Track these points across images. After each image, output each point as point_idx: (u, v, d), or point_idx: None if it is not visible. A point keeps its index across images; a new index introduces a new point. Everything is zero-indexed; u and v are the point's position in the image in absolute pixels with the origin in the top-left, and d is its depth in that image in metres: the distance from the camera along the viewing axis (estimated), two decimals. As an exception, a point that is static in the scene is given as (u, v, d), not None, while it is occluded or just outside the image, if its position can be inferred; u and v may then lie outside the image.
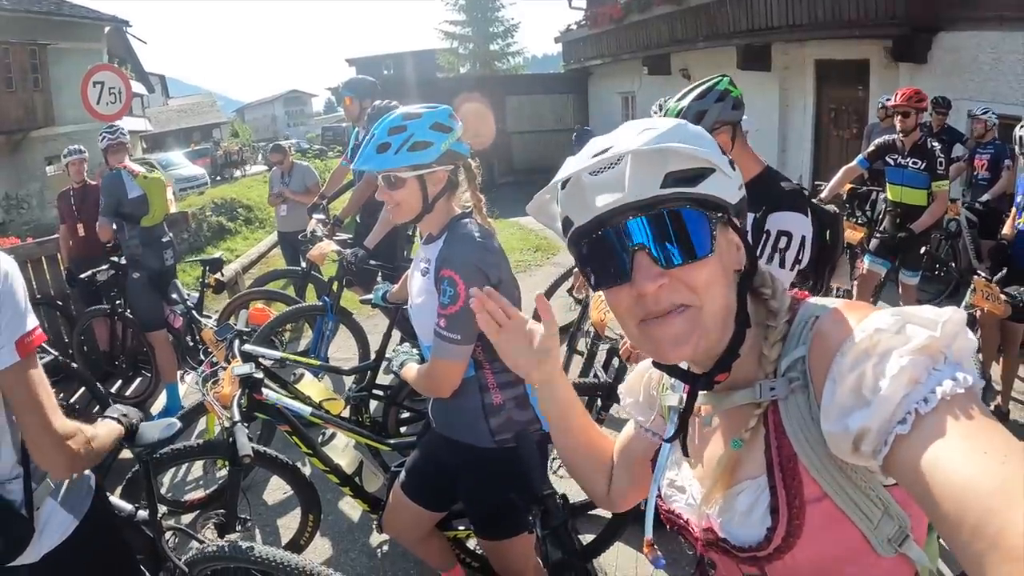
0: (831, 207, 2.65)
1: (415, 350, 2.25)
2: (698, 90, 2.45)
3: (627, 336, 0.93)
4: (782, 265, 2.24)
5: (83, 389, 4.57)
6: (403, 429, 3.56)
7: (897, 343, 0.74)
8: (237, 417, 2.29)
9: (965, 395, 0.70)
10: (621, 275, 0.86)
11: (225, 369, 2.59)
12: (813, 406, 0.82)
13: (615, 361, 3.15)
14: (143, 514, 2.07)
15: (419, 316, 2.02)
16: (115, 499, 2.06)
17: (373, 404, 3.59)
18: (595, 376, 3.46)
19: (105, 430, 1.64)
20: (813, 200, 2.43)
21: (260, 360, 2.87)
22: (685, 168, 0.83)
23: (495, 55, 32.41)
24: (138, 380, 5.49)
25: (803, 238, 2.25)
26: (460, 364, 1.92)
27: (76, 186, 5.61)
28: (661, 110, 5.25)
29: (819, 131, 11.84)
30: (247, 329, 3.00)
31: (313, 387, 2.93)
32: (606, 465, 1.25)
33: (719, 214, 0.86)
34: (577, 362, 4.34)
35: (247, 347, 2.83)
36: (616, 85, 18.88)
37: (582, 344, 4.42)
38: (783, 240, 2.25)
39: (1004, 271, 4.15)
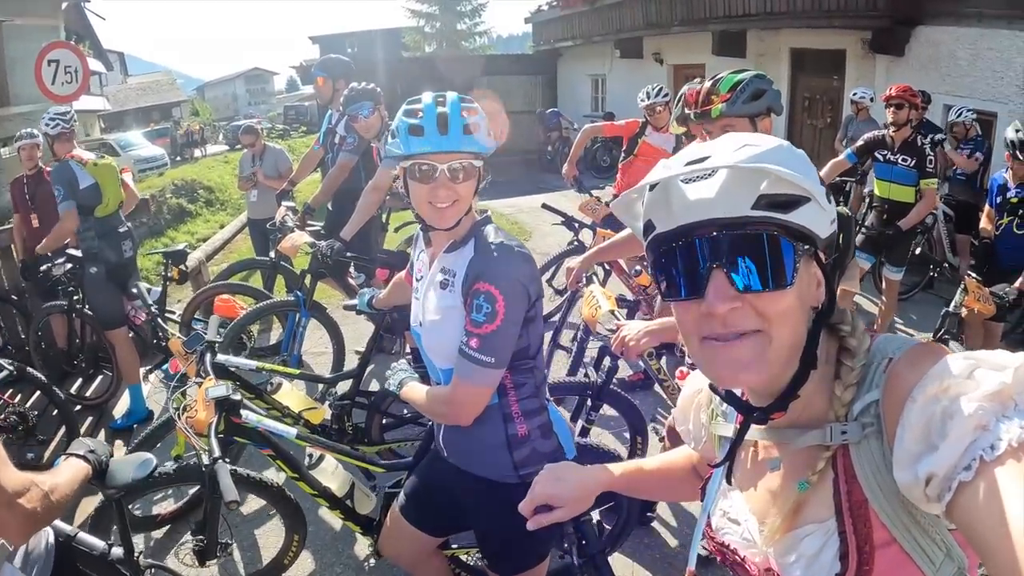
0: (843, 209, 2.54)
1: (412, 368, 2.06)
2: (754, 72, 2.30)
3: (689, 352, 0.91)
4: None
5: (39, 393, 4.30)
6: (386, 435, 3.37)
7: (967, 388, 0.73)
8: (217, 452, 2.03)
9: None
10: (694, 290, 0.83)
11: (199, 386, 2.35)
12: (887, 452, 0.79)
13: (606, 360, 3.02)
14: (117, 551, 1.86)
15: (435, 335, 1.78)
16: (85, 536, 1.85)
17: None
18: (585, 375, 3.32)
19: (68, 474, 1.43)
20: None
21: (234, 371, 2.66)
22: (780, 192, 0.80)
23: (462, 35, 32.02)
24: (99, 379, 5.21)
25: None
26: (488, 390, 1.71)
27: (30, 173, 5.30)
28: (648, 97, 5.17)
29: (792, 120, 11.83)
30: (219, 339, 2.73)
31: (292, 396, 2.72)
32: (689, 473, 1.29)
33: (806, 246, 0.82)
34: (562, 358, 4.20)
35: (220, 358, 2.60)
36: (587, 67, 18.74)
37: (567, 339, 4.28)
38: None
39: (986, 270, 4.22)
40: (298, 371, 3.40)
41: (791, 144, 0.85)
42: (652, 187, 0.87)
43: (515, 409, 1.79)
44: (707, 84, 2.30)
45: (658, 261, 0.88)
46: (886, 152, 4.85)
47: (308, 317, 4.25)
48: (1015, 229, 4.29)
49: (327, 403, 3.17)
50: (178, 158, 26.68)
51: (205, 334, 2.68)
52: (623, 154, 5.44)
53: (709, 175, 0.81)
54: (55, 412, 4.21)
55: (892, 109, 4.76)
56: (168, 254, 5.07)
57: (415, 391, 1.92)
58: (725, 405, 1.05)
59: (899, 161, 4.78)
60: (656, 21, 14.12)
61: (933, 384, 0.75)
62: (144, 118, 37.72)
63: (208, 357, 2.54)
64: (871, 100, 7.66)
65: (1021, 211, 4.28)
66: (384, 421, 3.33)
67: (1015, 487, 0.65)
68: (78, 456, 1.53)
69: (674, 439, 2.60)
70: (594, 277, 3.16)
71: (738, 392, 0.95)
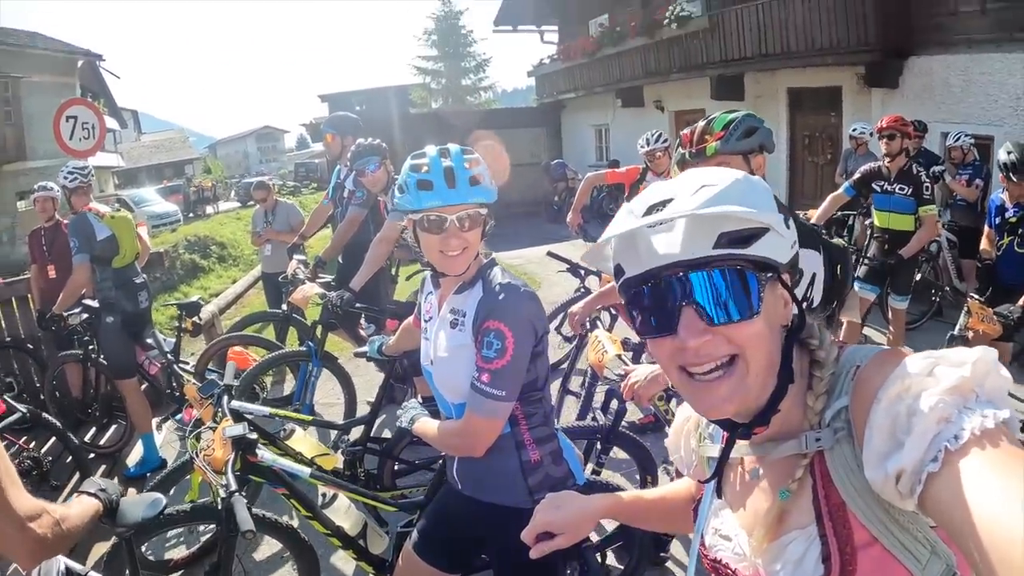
0: (839, 241, 2.61)
1: (422, 405, 2.13)
2: (745, 112, 2.39)
3: (672, 382, 0.95)
4: None
5: (54, 439, 4.36)
6: (398, 481, 3.41)
7: (928, 384, 0.77)
8: (234, 486, 2.11)
9: (996, 430, 0.72)
10: (667, 327, 0.88)
11: (213, 429, 2.42)
12: (858, 454, 0.83)
13: (614, 403, 3.06)
14: (127, 592, 1.91)
15: (446, 372, 1.88)
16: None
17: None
18: (593, 419, 3.37)
19: (79, 509, 1.46)
20: (823, 235, 2.39)
21: (248, 417, 2.72)
22: (739, 229, 0.85)
23: (467, 90, 32.53)
24: (113, 428, 5.29)
25: (814, 276, 2.19)
26: (500, 422, 1.80)
27: (47, 225, 5.45)
28: (648, 144, 5.28)
29: (794, 158, 11.99)
30: (235, 383, 2.82)
31: (305, 443, 2.77)
32: (690, 503, 1.27)
33: (769, 273, 0.87)
34: (571, 404, 4.23)
35: (235, 405, 2.66)
36: (589, 118, 18.97)
37: (576, 385, 4.32)
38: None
39: (989, 291, 4.24)
40: (311, 418, 3.47)
41: (757, 181, 0.91)
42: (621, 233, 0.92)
43: (527, 437, 1.88)
44: (701, 124, 2.37)
45: (631, 301, 0.94)
46: (883, 183, 4.92)
47: (320, 367, 4.32)
48: (1016, 248, 4.32)
49: (340, 450, 3.22)
50: (191, 214, 27.19)
51: (221, 380, 2.75)
52: (625, 201, 5.51)
53: (672, 222, 0.87)
54: (69, 459, 4.26)
55: (885, 140, 4.84)
56: (182, 306, 5.18)
57: (427, 425, 1.99)
58: (711, 427, 1.12)
59: (896, 190, 4.84)
60: (655, 69, 14.35)
61: (896, 384, 0.79)
62: (157, 175, 38.48)
63: (225, 400, 2.62)
64: (870, 135, 7.76)
65: (1020, 230, 4.31)
66: (396, 467, 3.37)
67: (981, 473, 0.68)
68: (89, 494, 1.56)
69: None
70: (598, 322, 3.20)
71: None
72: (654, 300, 0.89)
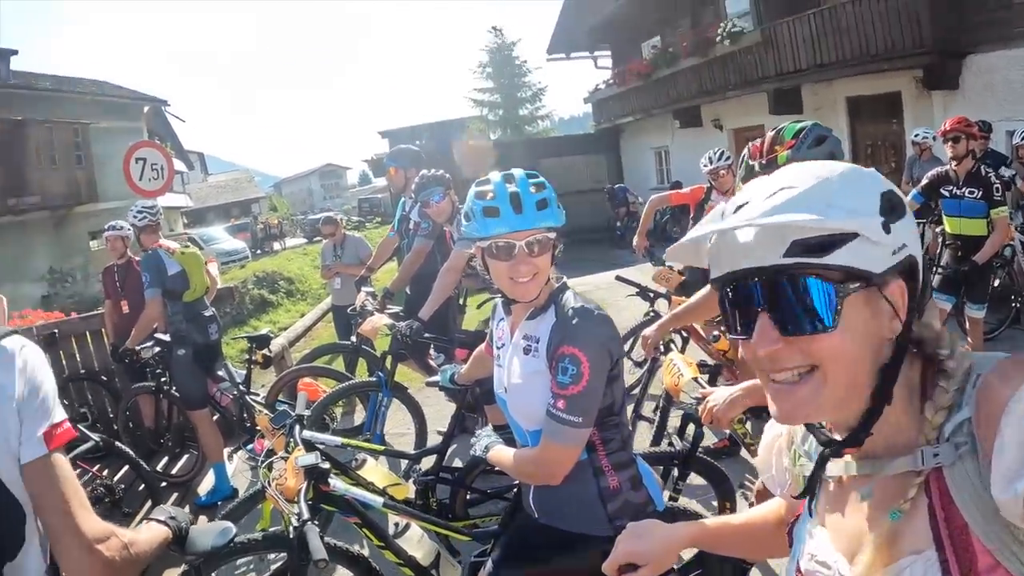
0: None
1: (495, 433, 2.09)
2: (812, 121, 2.32)
3: (764, 386, 0.90)
4: None
5: (126, 468, 4.47)
6: (471, 511, 3.35)
7: None
8: (307, 515, 2.10)
9: None
10: (746, 330, 0.86)
11: (286, 459, 2.42)
12: (983, 471, 0.75)
13: (690, 427, 2.94)
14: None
15: (521, 399, 1.85)
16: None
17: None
18: (670, 444, 3.23)
19: (148, 535, 1.44)
20: None
21: (320, 447, 2.71)
22: (814, 236, 0.79)
23: (524, 119, 32.54)
24: (185, 458, 5.41)
25: None
26: (577, 449, 1.74)
27: (119, 262, 5.66)
28: (711, 162, 5.17)
29: None
30: (306, 413, 2.82)
31: (376, 473, 2.75)
32: (778, 527, 1.21)
33: (855, 284, 0.80)
34: (644, 429, 4.11)
35: (307, 435, 2.66)
36: (649, 141, 19.00)
37: (649, 410, 4.20)
38: None
39: None
40: (382, 447, 3.44)
41: (867, 176, 0.84)
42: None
43: (605, 463, 1.82)
44: (769, 135, 2.30)
45: (720, 300, 0.91)
46: (951, 187, 4.75)
47: (390, 397, 4.32)
48: None
49: (411, 480, 3.19)
50: (258, 251, 28.00)
51: (293, 411, 2.75)
52: (691, 221, 5.43)
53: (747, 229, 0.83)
54: (141, 487, 4.35)
55: (950, 144, 4.69)
56: (253, 338, 5.24)
57: (503, 453, 1.96)
58: (807, 444, 1.04)
59: (966, 194, 4.66)
60: (711, 87, 14.33)
61: None
62: (224, 214, 39.84)
63: (297, 430, 2.62)
64: (933, 139, 7.39)
65: None
66: (468, 497, 3.31)
67: None
68: (158, 521, 1.53)
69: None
70: (672, 345, 3.11)
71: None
72: (736, 302, 0.87)
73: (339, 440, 3.04)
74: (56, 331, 5.65)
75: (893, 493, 0.84)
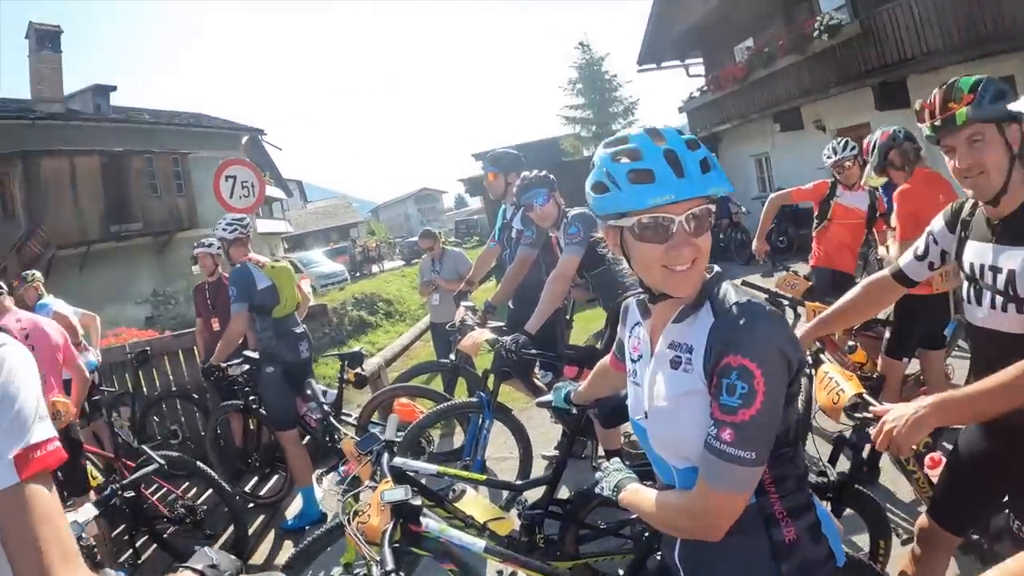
0: None
1: (628, 467, 1.65)
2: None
3: None
4: None
5: (211, 490, 4.29)
6: (582, 549, 2.93)
7: None
8: (390, 564, 1.75)
9: None
10: None
11: (373, 489, 2.09)
12: None
13: (846, 453, 2.46)
14: None
15: (667, 427, 1.40)
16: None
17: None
18: (820, 474, 2.70)
19: None
20: None
21: (412, 475, 2.38)
22: None
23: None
24: (274, 479, 5.26)
25: None
26: (746, 494, 1.29)
27: (210, 280, 5.62)
28: (836, 153, 4.66)
29: None
30: (397, 439, 2.48)
31: (477, 505, 2.39)
32: None
33: None
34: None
35: (399, 461, 2.33)
36: (748, 148, 18.40)
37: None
38: None
39: None
40: (483, 477, 3.09)
41: None
42: None
43: (778, 508, 1.37)
44: (938, 92, 1.86)
45: None
46: None
47: (492, 419, 3.94)
48: None
49: (515, 512, 2.82)
50: (357, 274, 28.49)
51: (382, 435, 2.43)
52: (815, 220, 4.94)
53: None
54: (225, 510, 4.17)
55: None
56: (345, 356, 5.02)
57: (641, 497, 1.51)
58: None
59: None
60: (811, 86, 13.75)
61: None
62: (324, 239, 41.40)
63: (385, 458, 2.29)
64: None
65: None
66: (580, 532, 2.90)
67: None
68: (193, 570, 1.21)
69: (929, 543, 2.12)
70: (822, 356, 2.58)
71: None
72: None
73: (435, 468, 2.70)
74: (148, 349, 5.69)
75: None
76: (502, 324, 4.53)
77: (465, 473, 2.85)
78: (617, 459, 1.67)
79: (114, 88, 23.21)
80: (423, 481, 2.55)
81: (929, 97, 1.91)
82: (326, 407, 4.63)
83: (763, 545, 1.34)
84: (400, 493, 1.95)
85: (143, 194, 21.03)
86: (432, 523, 2.05)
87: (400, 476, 2.31)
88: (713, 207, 1.33)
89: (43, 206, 18.91)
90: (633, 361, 1.53)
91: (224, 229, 4.73)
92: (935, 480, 2.19)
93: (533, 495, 3.00)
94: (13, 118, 19.38)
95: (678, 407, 1.35)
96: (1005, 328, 1.82)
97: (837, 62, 12.66)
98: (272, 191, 29.68)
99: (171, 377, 5.73)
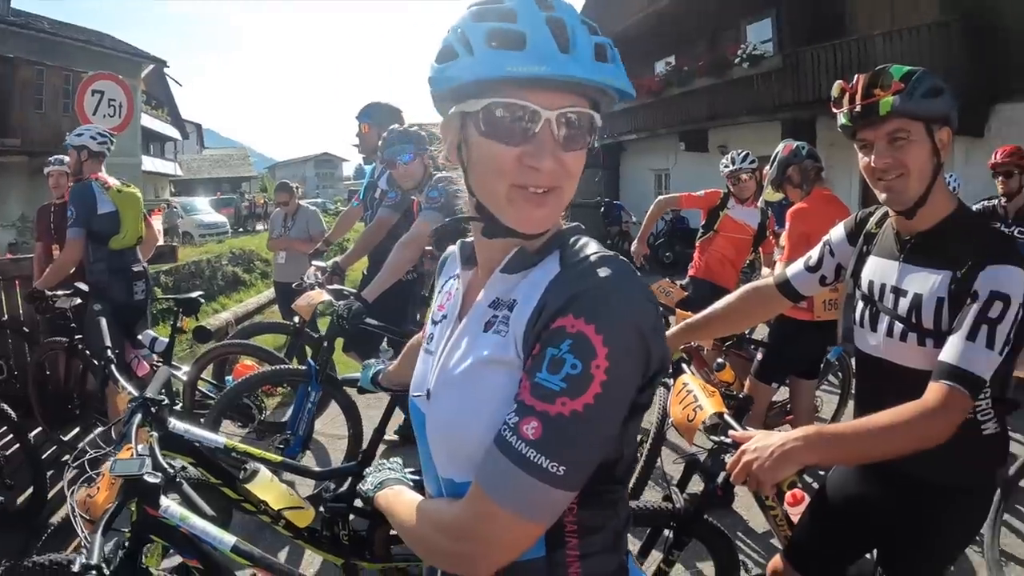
0: None
1: (405, 471, 1.26)
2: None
3: None
4: (990, 345, 1.43)
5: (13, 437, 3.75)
6: (394, 549, 2.57)
7: None
8: (94, 558, 1.35)
9: None
10: None
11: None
12: None
13: (696, 478, 2.25)
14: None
15: (451, 410, 0.96)
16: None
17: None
18: (665, 498, 2.45)
19: None
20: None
21: (197, 445, 1.99)
22: None
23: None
24: (99, 430, 4.66)
25: (1021, 307, 1.44)
26: (540, 527, 0.87)
27: (57, 202, 5.09)
28: (733, 163, 4.59)
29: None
30: (160, 397, 1.96)
31: (272, 490, 2.01)
32: None
33: None
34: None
35: (180, 427, 1.93)
36: (650, 161, 18.71)
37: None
38: (997, 307, 1.44)
39: None
40: (280, 458, 2.65)
41: None
42: None
43: (574, 571, 0.96)
44: (863, 77, 1.62)
45: None
46: (999, 225, 4.31)
47: (319, 391, 3.55)
48: None
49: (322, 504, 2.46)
50: (240, 229, 27.52)
51: (139, 391, 2.00)
52: (701, 230, 4.86)
53: None
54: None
55: (1001, 178, 4.32)
56: (180, 301, 4.49)
57: (399, 501, 1.10)
58: None
59: (1016, 234, 4.18)
60: (723, 111, 14.11)
61: None
62: (213, 188, 39.86)
63: (137, 419, 1.82)
64: (957, 186, 6.43)
65: None
66: (392, 532, 2.53)
67: None
68: None
69: None
70: (684, 365, 2.29)
71: None
72: None
73: (221, 440, 2.28)
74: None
75: None
76: (345, 288, 4.22)
77: (258, 451, 2.42)
78: (399, 460, 1.30)
79: (16, -12, 21.27)
80: (209, 455, 2.15)
81: (852, 80, 1.68)
82: (154, 357, 4.14)
83: None
84: (134, 465, 1.53)
85: (27, 109, 19.15)
86: (173, 507, 1.64)
87: (180, 445, 1.92)
88: (599, 122, 0.95)
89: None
90: (435, 323, 1.12)
91: (94, 138, 4.23)
92: (795, 519, 2.02)
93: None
94: None
95: (472, 380, 0.93)
96: (899, 360, 1.62)
97: (753, 92, 12.97)
98: (167, 129, 27.94)
99: (5, 307, 5.05)
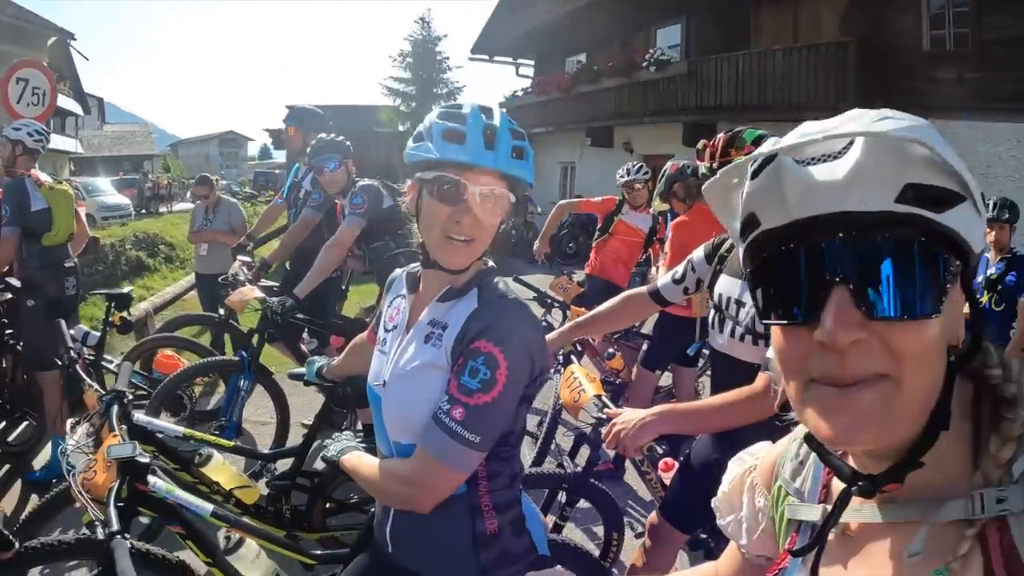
0: None
1: (358, 437, 1.71)
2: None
3: (789, 397, 0.69)
4: None
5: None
6: (329, 521, 2.99)
7: None
8: (115, 525, 1.70)
9: None
10: (804, 312, 0.63)
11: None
12: None
13: (583, 449, 2.75)
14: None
15: (401, 396, 1.45)
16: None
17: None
18: (559, 465, 3.01)
19: None
20: None
21: (160, 436, 2.33)
22: (933, 184, 0.60)
23: (436, 116, 32.32)
24: (23, 425, 4.74)
25: None
26: (462, 475, 1.38)
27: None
28: (628, 174, 5.07)
29: None
30: (127, 389, 2.30)
31: (223, 472, 2.37)
32: None
33: (958, 262, 0.62)
34: (526, 445, 3.89)
35: (142, 420, 2.27)
36: (557, 154, 19.14)
37: (532, 424, 4.00)
38: None
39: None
40: (232, 443, 3.03)
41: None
42: (757, 170, 0.66)
43: (486, 502, 1.46)
44: (722, 136, 2.12)
45: (760, 268, 0.69)
46: None
47: (251, 381, 3.89)
48: (992, 306, 4.33)
49: (264, 481, 2.84)
50: (143, 211, 26.27)
51: (112, 385, 2.33)
52: (597, 232, 5.32)
53: (839, 153, 0.61)
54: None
55: None
56: (112, 296, 4.68)
57: (362, 461, 1.56)
58: (799, 481, 0.83)
59: None
60: (629, 110, 14.62)
61: None
62: (115, 167, 37.71)
63: (115, 410, 2.17)
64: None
65: (999, 287, 4.33)
66: (328, 506, 2.95)
67: None
68: None
69: (659, 538, 2.35)
70: (572, 357, 2.86)
71: (838, 453, 0.72)
72: (796, 269, 0.63)
73: (181, 430, 2.64)
74: None
75: (937, 548, 0.64)
76: (275, 284, 4.52)
77: (212, 438, 2.80)
78: (349, 432, 1.75)
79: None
80: (169, 443, 2.51)
81: (714, 139, 2.16)
82: (85, 351, 4.32)
83: (465, 534, 1.45)
84: (128, 449, 1.88)
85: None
86: (160, 483, 2.00)
87: (144, 436, 2.26)
88: (512, 199, 1.41)
89: None
90: (387, 330, 1.57)
91: (30, 135, 4.24)
92: (667, 482, 2.44)
93: (285, 465, 3.05)
94: None
95: (416, 378, 1.41)
96: (738, 355, 2.07)
97: (658, 94, 13.51)
98: (69, 104, 26.47)
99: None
